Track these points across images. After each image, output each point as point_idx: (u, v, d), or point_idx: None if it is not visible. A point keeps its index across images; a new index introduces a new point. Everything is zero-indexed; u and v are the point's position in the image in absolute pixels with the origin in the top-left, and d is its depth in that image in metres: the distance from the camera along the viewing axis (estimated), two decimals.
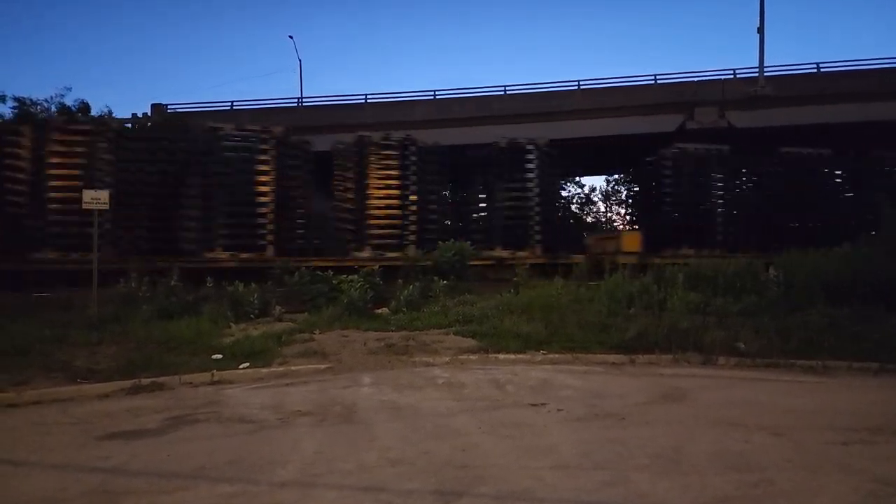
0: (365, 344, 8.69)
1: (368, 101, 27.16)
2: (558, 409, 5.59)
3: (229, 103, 27.68)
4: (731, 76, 23.94)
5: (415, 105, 26.55)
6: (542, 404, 5.76)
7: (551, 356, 8.09)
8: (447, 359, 7.99)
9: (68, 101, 18.35)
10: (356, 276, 11.99)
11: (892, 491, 3.68)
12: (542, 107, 24.76)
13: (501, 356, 8.13)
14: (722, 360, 7.84)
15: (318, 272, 12.64)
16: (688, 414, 5.47)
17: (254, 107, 27.69)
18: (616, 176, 34.47)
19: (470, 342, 8.78)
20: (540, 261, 16.70)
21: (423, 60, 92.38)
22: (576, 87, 25.34)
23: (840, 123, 22.14)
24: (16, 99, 17.56)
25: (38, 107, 17.69)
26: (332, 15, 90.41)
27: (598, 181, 45.29)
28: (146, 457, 4.45)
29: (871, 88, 22.12)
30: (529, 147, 18.35)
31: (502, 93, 25.94)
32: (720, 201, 19.08)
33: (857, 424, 5.10)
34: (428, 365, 7.77)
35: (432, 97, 26.68)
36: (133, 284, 10.96)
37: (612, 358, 7.97)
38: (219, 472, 4.11)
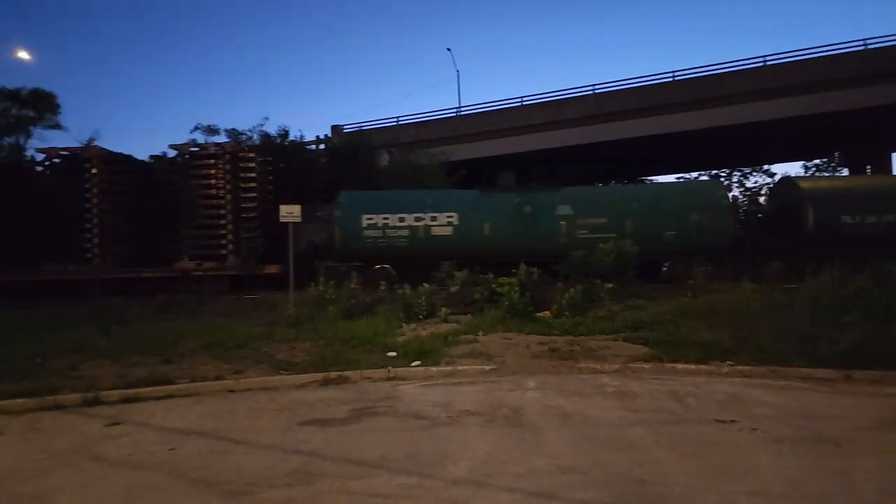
0: (528, 347, 8.62)
1: (524, 103, 27.23)
2: (752, 429, 4.94)
3: (395, 119, 29.83)
4: None
5: (570, 103, 26.01)
6: (732, 421, 5.15)
7: (740, 368, 7.21)
8: (616, 366, 7.56)
9: (271, 130, 21.65)
10: (514, 280, 11.96)
11: None
12: None
13: (679, 366, 7.46)
14: None
15: (481, 276, 12.87)
16: None
17: (416, 120, 29.43)
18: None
19: (641, 349, 8.22)
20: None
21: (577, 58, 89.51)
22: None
23: None
24: (227, 131, 21.15)
25: (244, 136, 21.06)
26: (489, 21, 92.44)
27: None
28: (336, 443, 4.89)
29: None
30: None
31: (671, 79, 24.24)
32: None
33: None
34: (595, 372, 7.43)
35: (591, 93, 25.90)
36: (321, 287, 12.29)
37: (818, 373, 6.86)
38: (397, 463, 4.35)
